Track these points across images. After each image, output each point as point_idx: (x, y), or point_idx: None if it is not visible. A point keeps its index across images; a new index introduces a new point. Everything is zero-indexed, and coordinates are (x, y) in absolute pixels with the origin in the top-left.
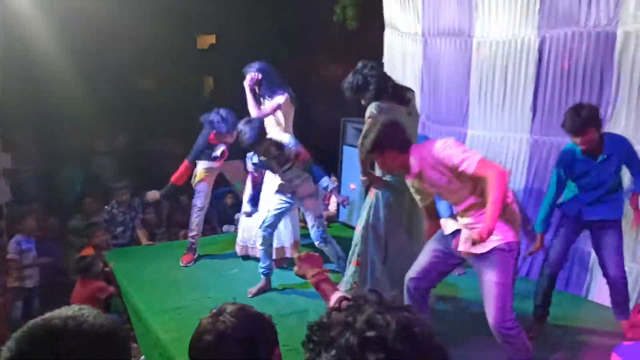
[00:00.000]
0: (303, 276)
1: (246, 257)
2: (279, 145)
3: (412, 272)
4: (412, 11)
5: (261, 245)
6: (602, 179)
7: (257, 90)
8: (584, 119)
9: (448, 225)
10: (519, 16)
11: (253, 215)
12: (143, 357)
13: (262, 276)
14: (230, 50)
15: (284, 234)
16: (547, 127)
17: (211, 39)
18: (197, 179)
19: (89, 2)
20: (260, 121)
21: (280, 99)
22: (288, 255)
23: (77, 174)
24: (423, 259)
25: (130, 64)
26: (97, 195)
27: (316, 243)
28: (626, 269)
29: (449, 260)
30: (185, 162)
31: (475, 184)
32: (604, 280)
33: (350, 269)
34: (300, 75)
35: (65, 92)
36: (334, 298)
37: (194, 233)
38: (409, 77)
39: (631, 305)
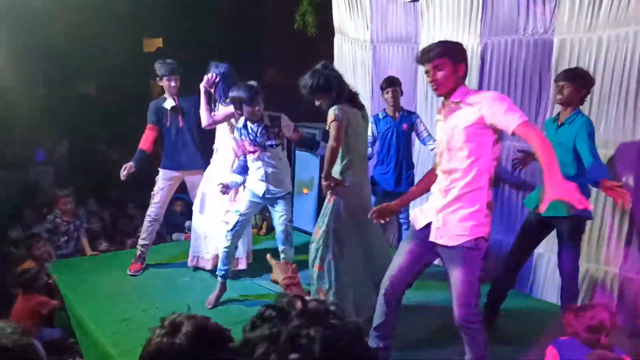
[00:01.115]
0: (276, 281)
1: (197, 268)
2: (274, 118)
3: (389, 275)
4: (361, 18)
5: (225, 247)
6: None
7: (212, 93)
8: None
9: (419, 219)
10: (462, 24)
11: (236, 187)
12: None
13: (218, 279)
14: (178, 54)
15: (239, 245)
16: None
17: (158, 42)
18: (157, 186)
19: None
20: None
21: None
22: (242, 267)
23: (15, 183)
24: (398, 260)
25: (72, 68)
26: (37, 205)
27: (281, 247)
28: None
29: (423, 259)
30: (149, 125)
31: (479, 164)
32: (547, 278)
33: (315, 273)
34: (250, 79)
35: None
36: None
37: (146, 242)
38: (359, 83)
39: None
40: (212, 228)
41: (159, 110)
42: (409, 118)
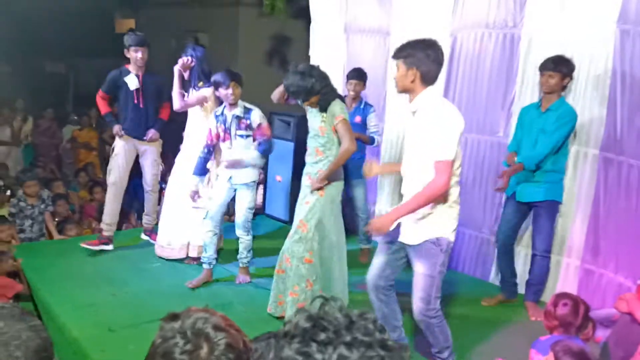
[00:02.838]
0: None
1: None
2: (247, 110)
3: (370, 273)
4: (336, 7)
5: (205, 235)
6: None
7: (185, 77)
8: None
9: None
10: (433, 16)
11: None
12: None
13: (203, 266)
14: (149, 35)
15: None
16: None
17: (130, 23)
18: (114, 152)
19: None
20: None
21: (206, 91)
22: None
23: None
24: (377, 258)
25: (40, 47)
26: (2, 187)
27: (238, 232)
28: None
29: (399, 254)
30: (101, 93)
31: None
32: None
33: (304, 266)
34: (224, 66)
35: None
36: None
37: (107, 220)
38: (334, 73)
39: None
40: (182, 217)
41: (118, 84)
42: (364, 110)
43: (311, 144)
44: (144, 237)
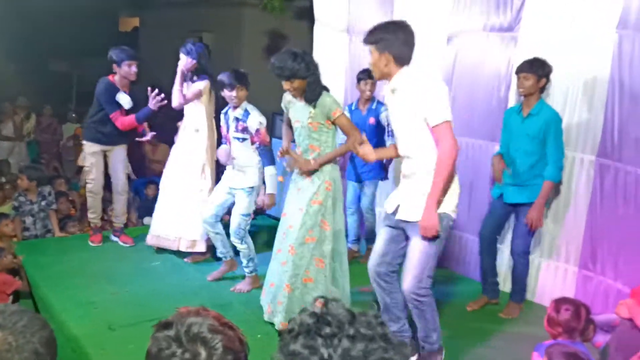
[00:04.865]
0: None
1: (162, 250)
2: (246, 113)
3: (371, 260)
4: (338, 8)
5: (211, 235)
6: None
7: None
8: None
9: (389, 204)
10: (432, 19)
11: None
12: None
13: (224, 260)
14: (154, 34)
15: (196, 227)
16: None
17: (134, 22)
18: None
19: None
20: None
21: (201, 84)
22: (200, 249)
23: None
24: (377, 244)
25: (44, 45)
26: (3, 183)
27: (232, 239)
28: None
29: (398, 239)
30: (116, 114)
31: (430, 147)
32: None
33: (327, 268)
34: (229, 65)
35: None
36: None
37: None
38: (337, 74)
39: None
40: (177, 209)
41: (114, 98)
42: (376, 110)
43: (303, 140)
44: (113, 238)
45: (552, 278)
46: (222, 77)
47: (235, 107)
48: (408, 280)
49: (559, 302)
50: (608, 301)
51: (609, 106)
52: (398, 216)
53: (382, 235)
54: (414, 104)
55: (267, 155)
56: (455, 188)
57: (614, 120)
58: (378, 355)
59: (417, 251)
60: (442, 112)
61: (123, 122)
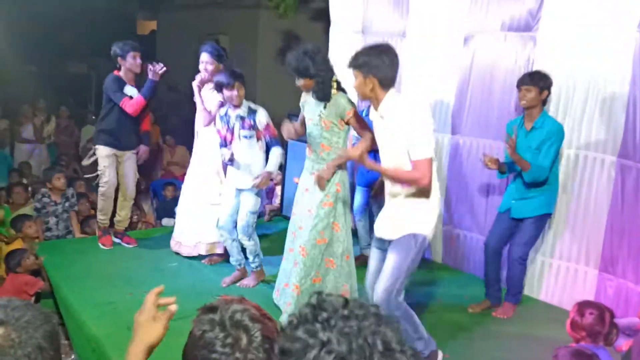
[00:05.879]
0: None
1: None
2: (252, 110)
3: (367, 281)
4: (354, 9)
5: (224, 242)
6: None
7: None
8: None
9: (378, 226)
10: (448, 19)
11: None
12: (74, 356)
13: (237, 267)
14: (171, 37)
15: (215, 230)
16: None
17: (152, 25)
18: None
19: None
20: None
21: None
22: (219, 250)
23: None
24: (370, 264)
25: (63, 48)
26: (26, 185)
27: (240, 236)
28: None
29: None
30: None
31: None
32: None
33: (345, 267)
34: (245, 68)
35: None
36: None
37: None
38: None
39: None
40: (196, 215)
41: (122, 89)
42: None
43: (314, 139)
44: (115, 239)
45: (572, 281)
46: (220, 77)
47: (235, 107)
48: (378, 294)
49: (583, 306)
50: (629, 305)
51: (631, 106)
52: (378, 234)
53: (373, 255)
54: (400, 135)
55: (277, 141)
56: (434, 209)
57: (635, 120)
58: (371, 329)
59: (390, 266)
60: (424, 150)
61: (132, 104)
